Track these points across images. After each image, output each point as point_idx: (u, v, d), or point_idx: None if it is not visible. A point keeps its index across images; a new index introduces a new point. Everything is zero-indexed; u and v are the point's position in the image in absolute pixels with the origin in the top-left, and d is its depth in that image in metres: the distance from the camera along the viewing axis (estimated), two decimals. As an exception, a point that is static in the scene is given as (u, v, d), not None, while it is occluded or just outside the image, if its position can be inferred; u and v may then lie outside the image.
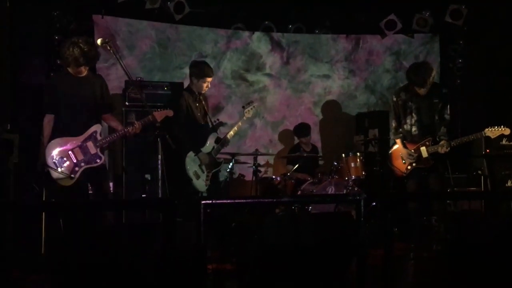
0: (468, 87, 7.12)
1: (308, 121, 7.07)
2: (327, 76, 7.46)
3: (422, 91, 4.91)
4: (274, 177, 6.46)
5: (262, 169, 6.74)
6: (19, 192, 4.46)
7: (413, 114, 4.99)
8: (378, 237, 5.13)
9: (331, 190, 5.87)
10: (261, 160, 6.59)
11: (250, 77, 7.22)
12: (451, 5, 6.90)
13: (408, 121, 5.03)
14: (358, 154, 6.07)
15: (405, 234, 5.20)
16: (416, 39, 7.48)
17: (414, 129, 5.01)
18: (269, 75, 7.29)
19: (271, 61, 7.29)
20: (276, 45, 7.31)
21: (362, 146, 6.73)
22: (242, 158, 6.34)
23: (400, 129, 5.09)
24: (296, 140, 6.84)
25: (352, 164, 6.01)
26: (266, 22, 7.19)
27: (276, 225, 3.61)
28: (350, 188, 5.87)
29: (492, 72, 6.86)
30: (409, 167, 5.02)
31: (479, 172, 6.23)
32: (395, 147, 5.17)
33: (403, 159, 5.05)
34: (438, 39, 7.49)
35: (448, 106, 5.03)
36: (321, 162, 7.03)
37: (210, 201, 2.84)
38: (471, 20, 6.93)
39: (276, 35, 7.29)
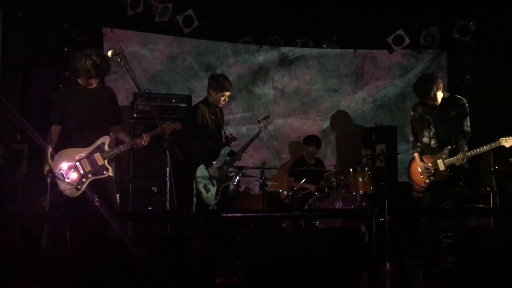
0: (476, 103, 7.09)
1: (312, 134, 7.06)
2: (334, 91, 7.47)
3: (436, 103, 4.86)
4: (280, 191, 6.42)
5: (269, 183, 6.70)
6: (27, 202, 4.44)
7: (431, 127, 4.92)
8: (385, 253, 5.09)
9: (338, 205, 5.83)
10: (267, 173, 6.55)
11: (257, 90, 7.24)
12: (459, 21, 6.92)
13: (426, 134, 4.95)
14: (366, 169, 6.04)
15: (413, 250, 5.14)
16: (423, 55, 7.49)
17: (433, 142, 4.93)
18: (276, 88, 7.30)
19: (278, 74, 7.32)
20: (284, 59, 7.33)
21: (370, 161, 6.70)
22: (248, 172, 6.31)
23: (418, 143, 5.02)
24: (302, 152, 6.82)
25: (360, 179, 5.98)
26: (274, 36, 7.24)
27: (284, 239, 3.58)
28: (357, 203, 5.83)
29: (500, 88, 6.85)
30: (427, 181, 4.93)
31: (488, 188, 6.18)
32: (413, 161, 5.08)
33: (421, 174, 4.97)
34: (445, 55, 7.51)
35: (468, 118, 4.93)
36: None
37: (221, 215, 2.82)
38: (479, 36, 6.95)
39: (284, 49, 7.32)
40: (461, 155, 4.78)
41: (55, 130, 4.32)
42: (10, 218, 3.20)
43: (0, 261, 3.14)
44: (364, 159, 6.39)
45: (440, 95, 4.86)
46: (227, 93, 5.36)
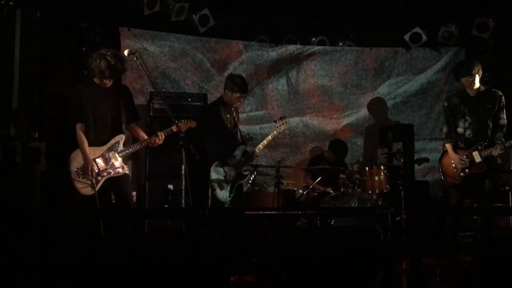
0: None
1: (329, 132, 7.03)
2: (352, 87, 7.41)
3: (473, 87, 4.78)
4: (296, 189, 6.41)
5: (284, 181, 6.70)
6: (45, 200, 4.51)
7: (466, 117, 4.85)
8: (402, 252, 5.04)
9: (354, 203, 5.80)
10: (283, 172, 6.54)
11: (271, 87, 7.19)
12: (477, 18, 6.82)
13: (461, 124, 4.88)
14: (382, 167, 5.99)
15: (431, 249, 5.10)
16: (441, 52, 7.41)
17: (468, 132, 4.85)
18: (290, 85, 7.27)
19: (293, 71, 7.27)
20: (299, 55, 7.29)
21: (386, 160, 6.65)
22: (263, 170, 6.32)
23: (452, 134, 4.93)
24: (319, 150, 6.79)
25: (376, 178, 5.93)
26: (290, 35, 7.22)
27: (298, 237, 3.58)
28: (373, 202, 5.79)
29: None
30: (462, 174, 4.81)
31: (507, 188, 6.09)
32: (446, 154, 4.98)
33: (454, 166, 4.87)
34: (464, 52, 7.40)
35: (504, 111, 4.85)
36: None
37: (235, 212, 2.82)
38: (498, 33, 6.84)
39: (300, 48, 7.28)
40: (499, 146, 4.69)
41: (81, 127, 4.35)
42: (28, 216, 3.25)
43: (18, 259, 3.19)
44: (380, 158, 6.33)
45: (478, 81, 4.81)
46: (243, 95, 5.38)
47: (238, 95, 5.32)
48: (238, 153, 5.33)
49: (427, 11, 6.85)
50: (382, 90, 7.44)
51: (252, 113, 7.08)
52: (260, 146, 5.46)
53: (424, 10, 6.84)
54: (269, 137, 5.54)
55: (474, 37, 6.95)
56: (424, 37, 7.06)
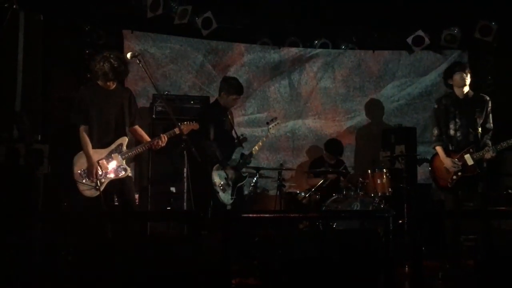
0: (498, 103, 6.97)
1: (332, 135, 7.01)
2: (353, 91, 7.40)
3: (463, 88, 4.84)
4: (298, 192, 6.41)
5: (287, 184, 6.70)
6: (48, 202, 4.53)
7: (457, 120, 4.87)
8: (403, 256, 5.03)
9: (356, 206, 5.80)
10: (285, 174, 6.55)
11: (273, 90, 7.18)
12: (480, 21, 6.82)
13: (451, 126, 4.90)
14: (384, 170, 5.99)
15: (433, 252, 5.09)
16: (444, 55, 7.40)
17: (458, 134, 4.87)
18: (293, 88, 7.26)
19: (295, 73, 7.26)
20: (301, 57, 7.28)
21: (388, 162, 6.64)
22: (265, 173, 6.31)
23: (444, 137, 4.95)
24: (320, 153, 6.79)
25: (378, 181, 5.93)
26: (292, 38, 7.22)
27: (300, 240, 3.58)
28: (376, 205, 5.79)
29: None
30: (454, 177, 4.82)
31: (510, 191, 6.07)
32: (436, 157, 4.99)
33: (447, 169, 4.87)
34: (466, 55, 7.39)
35: (491, 115, 4.90)
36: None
37: (237, 215, 2.83)
38: (501, 36, 6.84)
39: (302, 50, 7.29)
40: (491, 148, 4.71)
41: (85, 130, 4.36)
42: (31, 218, 3.27)
43: (21, 261, 3.20)
44: (382, 161, 6.32)
45: (468, 84, 4.87)
46: (239, 96, 5.44)
47: (234, 97, 5.40)
48: (236, 155, 5.40)
49: (429, 14, 6.84)
50: (386, 92, 7.43)
51: (253, 116, 7.08)
52: (256, 147, 5.53)
53: (426, 13, 6.84)
54: (264, 138, 5.66)
55: (477, 40, 6.95)
56: (427, 40, 7.05)
